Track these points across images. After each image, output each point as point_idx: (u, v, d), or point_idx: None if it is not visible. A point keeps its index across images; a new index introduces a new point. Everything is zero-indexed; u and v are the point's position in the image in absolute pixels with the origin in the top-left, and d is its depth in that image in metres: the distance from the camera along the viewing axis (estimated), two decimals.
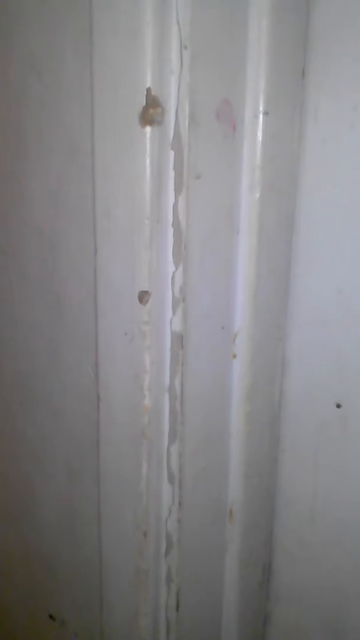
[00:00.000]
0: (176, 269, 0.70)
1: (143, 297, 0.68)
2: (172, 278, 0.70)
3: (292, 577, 0.94)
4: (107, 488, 0.80)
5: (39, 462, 0.93)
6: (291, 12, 0.72)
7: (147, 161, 0.64)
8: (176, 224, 0.68)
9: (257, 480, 0.87)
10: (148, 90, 0.62)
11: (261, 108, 0.72)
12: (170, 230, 0.68)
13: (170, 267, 0.70)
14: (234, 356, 0.81)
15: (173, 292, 0.70)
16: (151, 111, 0.62)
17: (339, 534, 0.87)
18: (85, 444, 0.83)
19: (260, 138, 0.73)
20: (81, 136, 0.71)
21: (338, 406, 0.82)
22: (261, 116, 0.72)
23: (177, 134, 0.65)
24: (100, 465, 0.80)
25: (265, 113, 0.72)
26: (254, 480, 0.86)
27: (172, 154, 0.66)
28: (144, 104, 0.62)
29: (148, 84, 0.62)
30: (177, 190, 0.67)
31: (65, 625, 0.99)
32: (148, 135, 0.63)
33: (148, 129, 0.63)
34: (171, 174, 0.66)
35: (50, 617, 1.01)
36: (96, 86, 0.66)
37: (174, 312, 0.71)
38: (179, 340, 0.72)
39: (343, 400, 0.82)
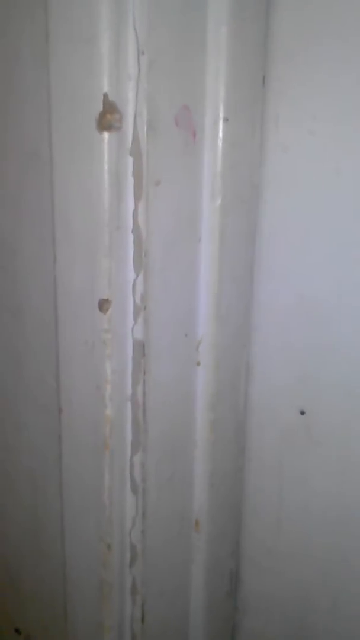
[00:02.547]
0: (137, 276, 0.69)
1: (103, 305, 0.67)
2: (133, 286, 0.69)
3: (259, 586, 0.94)
4: (70, 500, 0.78)
5: (2, 474, 0.92)
6: (250, 20, 0.72)
7: (105, 167, 0.63)
8: (136, 230, 0.67)
9: (223, 489, 0.87)
10: (105, 95, 0.61)
11: (221, 115, 0.72)
12: (131, 237, 0.68)
13: (131, 275, 0.69)
14: (198, 364, 0.80)
15: (134, 300, 0.70)
16: (108, 117, 0.62)
17: (305, 543, 0.87)
18: (48, 455, 0.82)
19: (221, 145, 0.72)
20: (40, 142, 0.70)
21: (302, 413, 0.82)
22: (221, 123, 0.72)
23: (135, 139, 0.65)
24: (62, 477, 0.78)
25: (225, 120, 0.72)
26: (219, 489, 0.86)
27: (130, 160, 0.65)
28: (101, 109, 0.62)
29: (105, 90, 0.61)
30: (137, 196, 0.66)
31: (30, 639, 0.97)
32: (106, 141, 0.63)
33: (106, 134, 0.62)
34: (130, 180, 0.66)
35: (16, 631, 0.99)
36: (53, 92, 0.65)
37: (135, 320, 0.70)
38: (141, 348, 0.71)
39: (306, 407, 0.82)
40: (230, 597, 0.94)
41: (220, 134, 0.72)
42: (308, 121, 0.75)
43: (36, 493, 0.86)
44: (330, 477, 0.83)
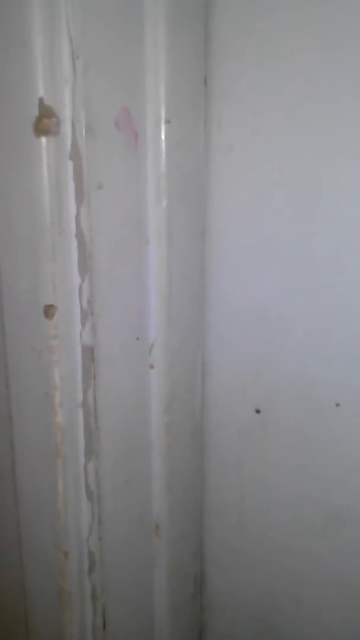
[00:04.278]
0: (82, 280, 0.68)
1: (49, 311, 0.67)
2: (80, 290, 0.69)
3: (224, 586, 0.94)
4: (26, 509, 0.77)
5: None
6: (188, 21, 0.72)
7: (45, 172, 0.63)
8: (79, 235, 0.67)
9: (182, 491, 0.86)
10: (40, 100, 0.61)
11: (163, 116, 0.71)
12: (74, 242, 0.67)
13: (77, 279, 0.68)
14: (151, 367, 0.80)
15: (81, 305, 0.69)
16: (45, 121, 0.61)
17: (266, 540, 0.87)
18: (1, 464, 0.81)
19: (164, 146, 0.72)
20: None
21: (257, 411, 0.82)
22: (163, 124, 0.71)
23: (74, 143, 0.64)
24: (17, 485, 0.77)
25: (167, 121, 0.72)
26: (178, 491, 0.85)
27: (70, 164, 0.64)
28: (37, 113, 0.61)
29: (40, 94, 0.61)
30: (78, 200, 0.66)
31: None
32: (44, 145, 0.62)
33: (43, 139, 0.62)
34: (71, 184, 0.65)
35: None
36: None
37: (83, 325, 0.70)
38: (90, 353, 0.71)
39: (262, 406, 0.82)
40: (195, 598, 0.94)
41: (163, 136, 0.72)
42: (251, 120, 0.75)
43: None
44: (287, 473, 0.83)
